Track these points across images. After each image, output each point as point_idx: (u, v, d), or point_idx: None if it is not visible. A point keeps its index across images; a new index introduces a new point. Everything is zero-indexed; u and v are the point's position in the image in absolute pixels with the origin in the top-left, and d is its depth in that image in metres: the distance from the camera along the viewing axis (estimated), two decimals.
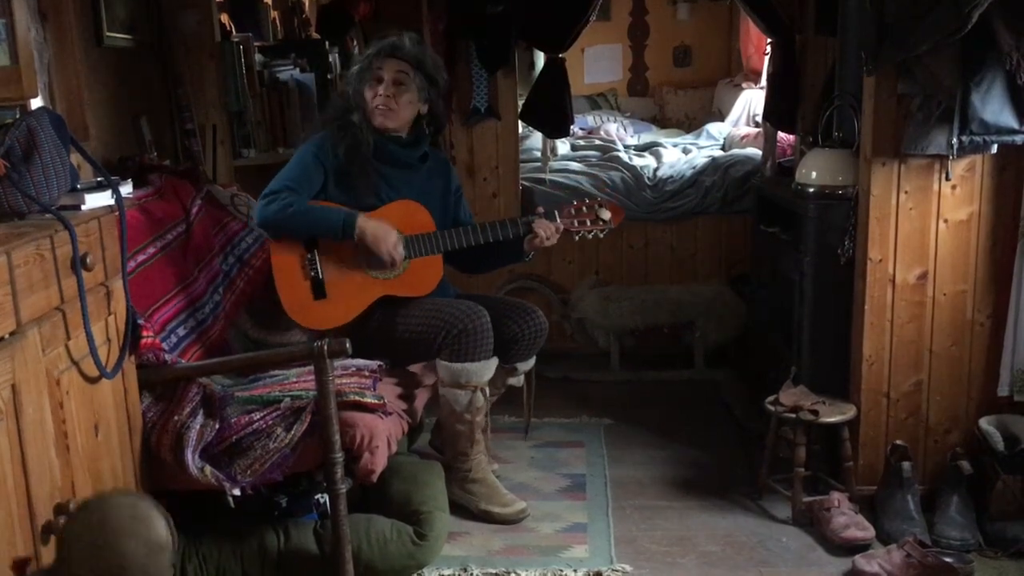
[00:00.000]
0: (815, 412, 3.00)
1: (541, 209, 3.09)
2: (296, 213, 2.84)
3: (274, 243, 2.95)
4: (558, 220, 3.04)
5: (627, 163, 5.02)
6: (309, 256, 2.93)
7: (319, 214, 2.88)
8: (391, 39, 3.00)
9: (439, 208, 3.12)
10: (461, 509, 3.10)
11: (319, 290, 2.94)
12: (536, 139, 5.24)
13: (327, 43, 4.94)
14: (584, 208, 3.08)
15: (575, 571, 2.78)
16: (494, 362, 3.00)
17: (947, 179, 2.89)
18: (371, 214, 2.96)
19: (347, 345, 2.38)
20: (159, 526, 1.76)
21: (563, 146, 5.56)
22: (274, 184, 2.91)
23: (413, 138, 3.08)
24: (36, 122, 1.99)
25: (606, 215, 3.07)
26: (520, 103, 4.63)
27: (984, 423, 2.93)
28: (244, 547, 2.58)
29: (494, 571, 2.80)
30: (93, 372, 2.04)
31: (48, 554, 1.78)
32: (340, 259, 2.93)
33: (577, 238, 3.11)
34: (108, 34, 3.11)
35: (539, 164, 5.01)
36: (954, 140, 2.77)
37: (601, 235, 3.11)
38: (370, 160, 2.98)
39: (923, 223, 2.94)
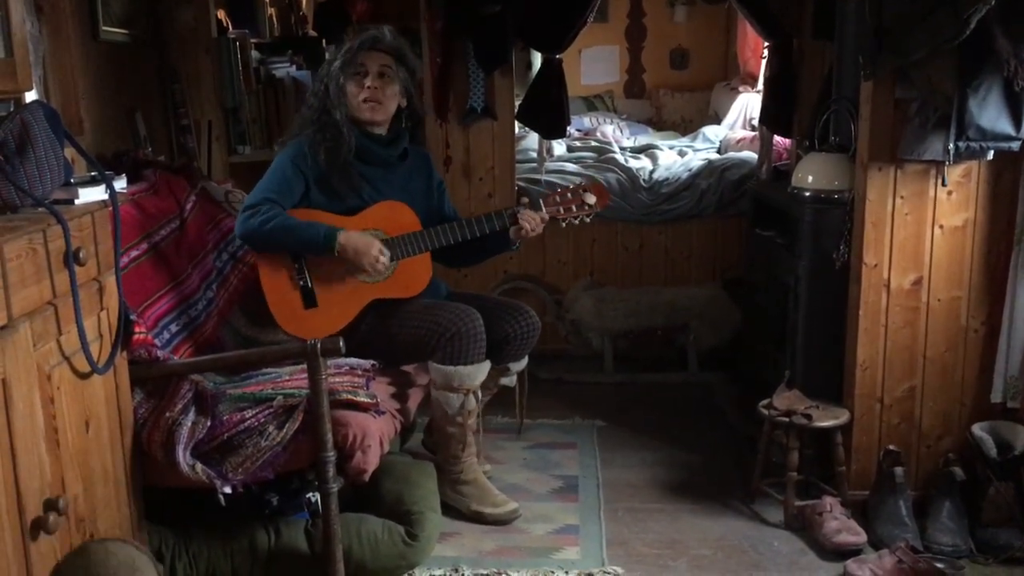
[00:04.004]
0: (808, 416, 2.99)
1: (526, 199, 3.08)
2: (276, 228, 2.80)
3: (260, 255, 2.93)
4: (543, 209, 3.03)
5: (623, 165, 5.01)
6: (297, 266, 2.90)
7: (299, 231, 2.83)
8: (371, 32, 2.98)
9: (423, 204, 3.10)
10: (453, 510, 3.09)
11: (309, 299, 2.91)
12: (532, 140, 5.23)
13: (324, 41, 4.94)
14: (569, 194, 3.07)
15: (566, 573, 2.77)
16: (486, 365, 2.98)
17: (943, 185, 2.88)
18: (355, 217, 2.94)
19: (340, 344, 2.37)
20: None
21: (559, 147, 5.55)
22: (254, 197, 2.87)
23: (393, 135, 3.06)
24: (30, 116, 1.98)
25: (591, 199, 3.05)
26: (517, 103, 4.62)
27: (977, 429, 2.93)
28: (234, 545, 2.57)
29: (485, 572, 2.78)
30: (84, 368, 2.03)
31: (36, 551, 1.77)
32: (328, 266, 2.90)
33: (564, 224, 3.09)
34: (104, 28, 3.11)
35: (535, 165, 5.00)
36: (951, 146, 2.76)
37: (587, 219, 3.09)
38: (351, 161, 2.94)
39: (919, 229, 2.94)
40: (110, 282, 2.18)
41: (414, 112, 3.11)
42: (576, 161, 5.25)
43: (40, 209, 1.94)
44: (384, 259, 2.87)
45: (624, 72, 7.66)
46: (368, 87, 2.94)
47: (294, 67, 4.40)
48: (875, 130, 2.88)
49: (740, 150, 5.29)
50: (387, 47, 2.97)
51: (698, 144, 5.94)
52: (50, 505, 1.81)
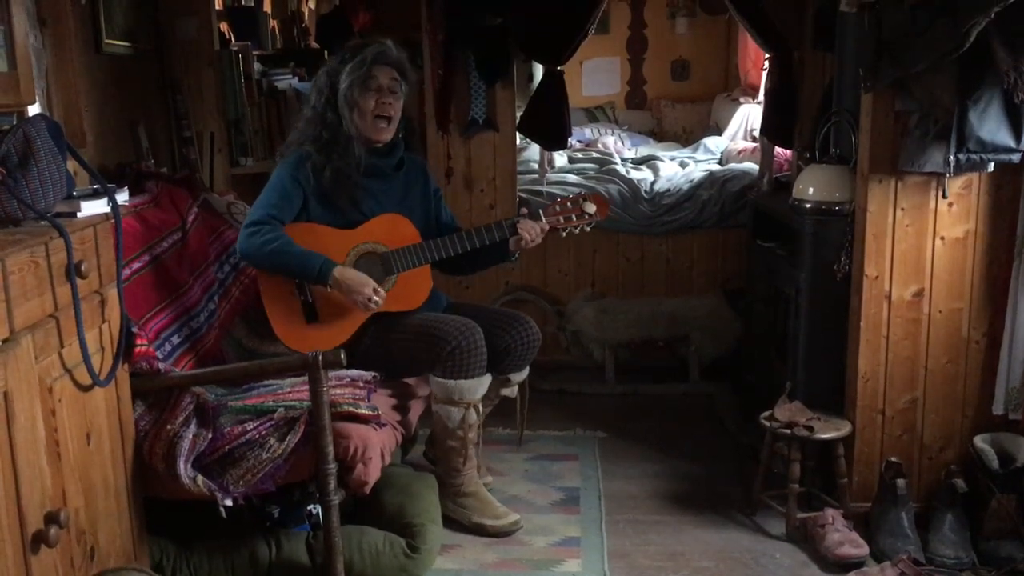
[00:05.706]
0: (810, 428, 2.99)
1: (525, 210, 3.08)
2: (275, 252, 2.80)
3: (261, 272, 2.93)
4: (543, 220, 3.03)
5: (624, 176, 5.02)
6: (298, 281, 2.91)
7: (297, 259, 2.82)
8: (377, 47, 2.95)
9: (421, 213, 3.10)
10: (454, 522, 3.08)
11: (311, 314, 2.92)
12: (534, 151, 5.24)
13: (326, 52, 4.96)
14: (568, 204, 3.07)
15: None
16: (487, 379, 2.98)
17: (944, 197, 2.89)
18: (356, 230, 2.95)
19: (342, 355, 2.37)
20: None
21: (561, 158, 5.56)
22: (256, 213, 2.86)
23: (389, 146, 3.05)
24: (33, 129, 1.99)
25: (591, 208, 3.05)
26: (518, 115, 4.64)
27: (979, 441, 2.92)
28: (235, 558, 2.57)
29: None
30: (86, 380, 2.03)
31: (37, 564, 1.77)
32: None
33: (564, 234, 3.09)
34: (107, 41, 3.12)
35: (536, 176, 5.01)
36: (951, 158, 2.77)
37: (587, 228, 3.09)
38: (356, 178, 2.94)
39: (919, 240, 2.94)
40: (112, 295, 2.18)
41: (408, 121, 3.11)
42: (577, 172, 5.26)
43: (42, 222, 1.95)
44: (377, 299, 2.84)
45: (625, 83, 7.68)
46: (381, 103, 2.92)
47: (296, 79, 4.42)
48: (875, 142, 2.89)
49: (741, 161, 5.30)
50: (393, 61, 2.96)
51: (699, 155, 5.95)
52: (51, 518, 1.81)
